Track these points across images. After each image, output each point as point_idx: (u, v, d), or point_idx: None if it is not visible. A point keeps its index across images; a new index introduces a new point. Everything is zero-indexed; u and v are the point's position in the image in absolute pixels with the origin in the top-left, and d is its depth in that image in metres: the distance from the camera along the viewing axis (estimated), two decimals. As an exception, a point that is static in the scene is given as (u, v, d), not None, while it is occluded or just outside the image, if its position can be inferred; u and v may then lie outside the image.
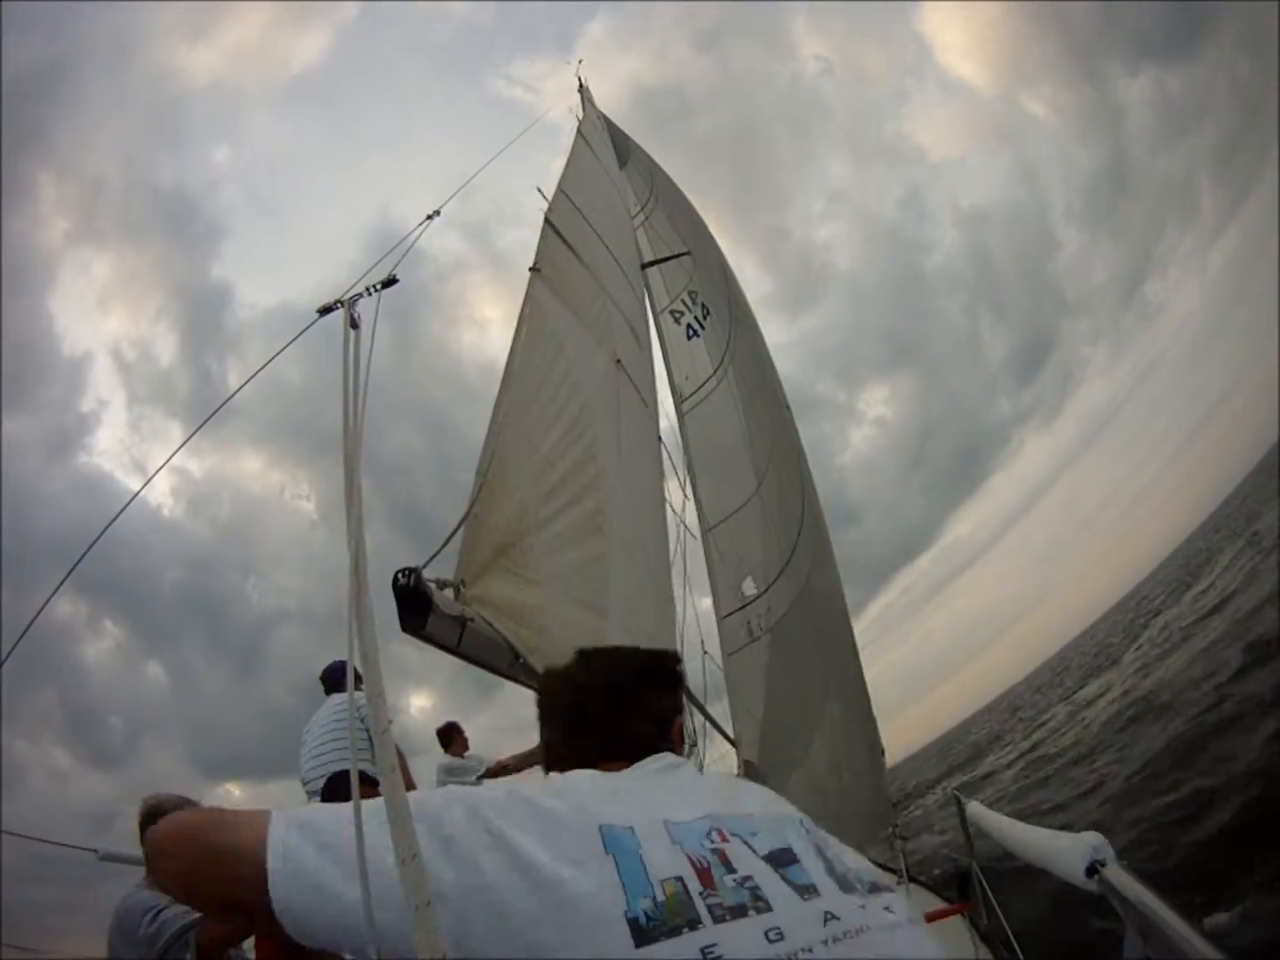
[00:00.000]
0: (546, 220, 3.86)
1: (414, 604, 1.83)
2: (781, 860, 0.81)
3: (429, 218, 2.53)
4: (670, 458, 6.64)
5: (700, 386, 7.28)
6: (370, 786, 0.76)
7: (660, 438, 5.45)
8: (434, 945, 0.65)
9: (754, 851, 0.81)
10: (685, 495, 6.39)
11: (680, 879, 0.74)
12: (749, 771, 5.70)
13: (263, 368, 1.91)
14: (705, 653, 6.33)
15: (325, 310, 1.56)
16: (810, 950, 0.71)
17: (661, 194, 8.14)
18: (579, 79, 8.04)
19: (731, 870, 0.77)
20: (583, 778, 0.91)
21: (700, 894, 0.73)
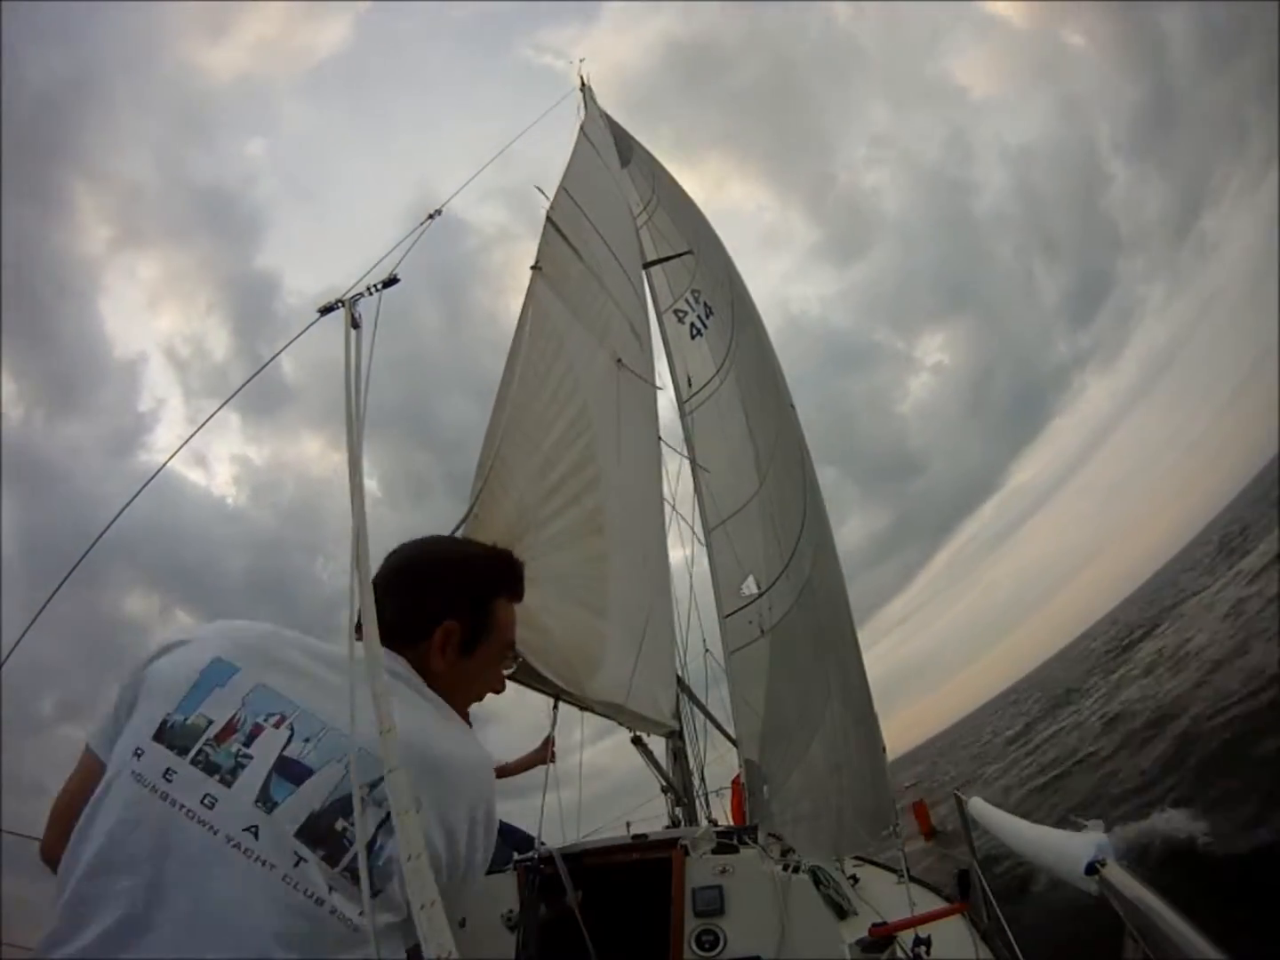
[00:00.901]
0: (548, 219, 3.85)
1: None
2: (283, 768, 0.87)
3: (430, 217, 2.52)
4: (673, 458, 6.66)
5: (704, 386, 7.27)
6: None
7: (661, 437, 5.45)
8: (439, 944, 0.65)
9: (282, 750, 0.88)
10: (679, 493, 6.41)
11: (211, 721, 0.89)
12: (750, 771, 5.70)
13: (260, 370, 1.93)
14: (707, 650, 6.34)
15: (326, 310, 1.55)
16: (236, 839, 0.82)
17: (664, 193, 8.13)
18: (581, 77, 8.03)
19: (246, 745, 0.88)
20: (307, 639, 1.04)
21: (208, 740, 0.88)
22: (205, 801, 0.84)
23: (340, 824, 0.85)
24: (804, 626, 6.26)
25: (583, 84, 7.99)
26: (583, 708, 2.54)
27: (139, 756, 0.88)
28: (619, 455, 3.23)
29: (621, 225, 5.67)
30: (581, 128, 6.06)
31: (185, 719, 0.90)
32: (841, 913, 3.44)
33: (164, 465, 1.97)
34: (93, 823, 0.86)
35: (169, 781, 0.86)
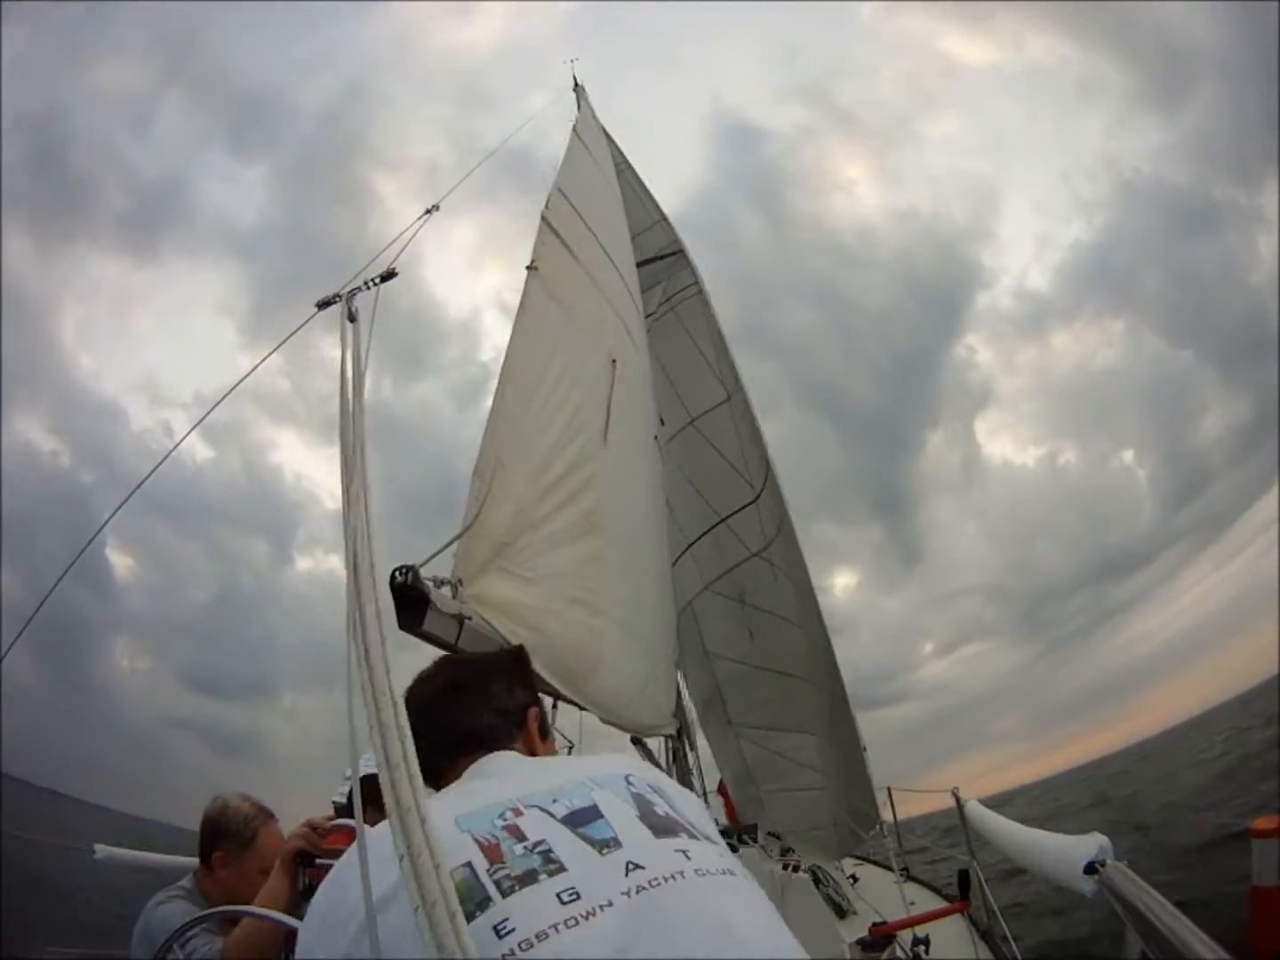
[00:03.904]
0: (543, 220, 3.85)
1: (411, 602, 1.82)
2: (581, 819, 0.80)
3: (427, 212, 2.57)
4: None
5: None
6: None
7: (657, 436, 5.44)
8: (445, 945, 0.63)
9: (551, 816, 0.80)
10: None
11: (469, 864, 0.73)
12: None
13: (268, 356, 1.96)
14: (706, 653, 6.34)
15: (324, 304, 1.56)
16: (611, 904, 0.70)
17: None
18: (574, 78, 8.03)
19: (522, 839, 0.76)
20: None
21: (488, 871, 0.72)
22: (564, 898, 0.70)
23: (664, 812, 0.85)
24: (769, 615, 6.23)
25: (576, 84, 7.99)
26: (582, 708, 2.53)
27: None
28: (615, 455, 3.22)
29: (616, 227, 5.67)
30: (574, 128, 6.06)
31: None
32: (841, 912, 3.43)
33: (182, 440, 1.95)
34: None
35: (508, 929, 0.68)
